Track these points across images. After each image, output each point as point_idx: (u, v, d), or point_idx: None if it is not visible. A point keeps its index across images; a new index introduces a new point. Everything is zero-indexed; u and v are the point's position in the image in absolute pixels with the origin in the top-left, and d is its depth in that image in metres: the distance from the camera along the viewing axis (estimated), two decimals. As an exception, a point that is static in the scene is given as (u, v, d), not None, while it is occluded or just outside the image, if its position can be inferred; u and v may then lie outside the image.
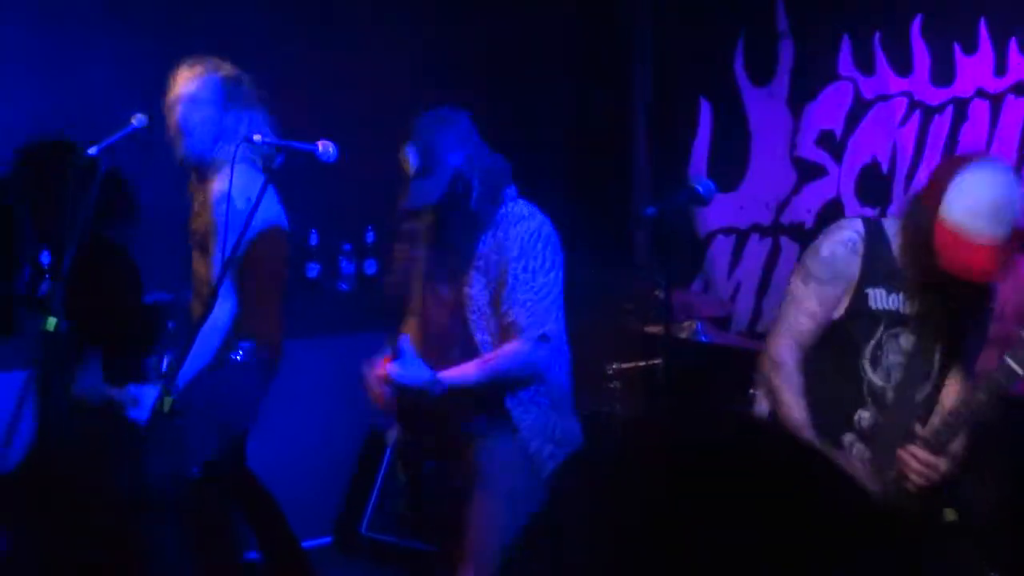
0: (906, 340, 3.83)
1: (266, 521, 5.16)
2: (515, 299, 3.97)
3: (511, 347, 4.00)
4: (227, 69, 4.75)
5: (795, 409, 3.85)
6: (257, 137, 4.42)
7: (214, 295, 4.14)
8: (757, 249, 6.74)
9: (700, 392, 4.90)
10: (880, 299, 3.82)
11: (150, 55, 5.44)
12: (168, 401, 4.00)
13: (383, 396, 4.13)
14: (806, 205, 6.54)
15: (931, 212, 3.61)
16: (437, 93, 6.52)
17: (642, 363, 5.71)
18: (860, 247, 3.80)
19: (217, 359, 4.59)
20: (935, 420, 3.77)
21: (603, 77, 7.18)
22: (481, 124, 6.36)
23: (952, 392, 3.84)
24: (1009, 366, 3.51)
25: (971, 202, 3.54)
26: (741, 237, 6.79)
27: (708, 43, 6.89)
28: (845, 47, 6.30)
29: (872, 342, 3.84)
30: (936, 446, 3.68)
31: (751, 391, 5.16)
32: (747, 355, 5.75)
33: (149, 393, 4.39)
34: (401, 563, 6.12)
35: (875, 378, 3.86)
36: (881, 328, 3.83)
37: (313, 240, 6.53)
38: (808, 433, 3.79)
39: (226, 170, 4.45)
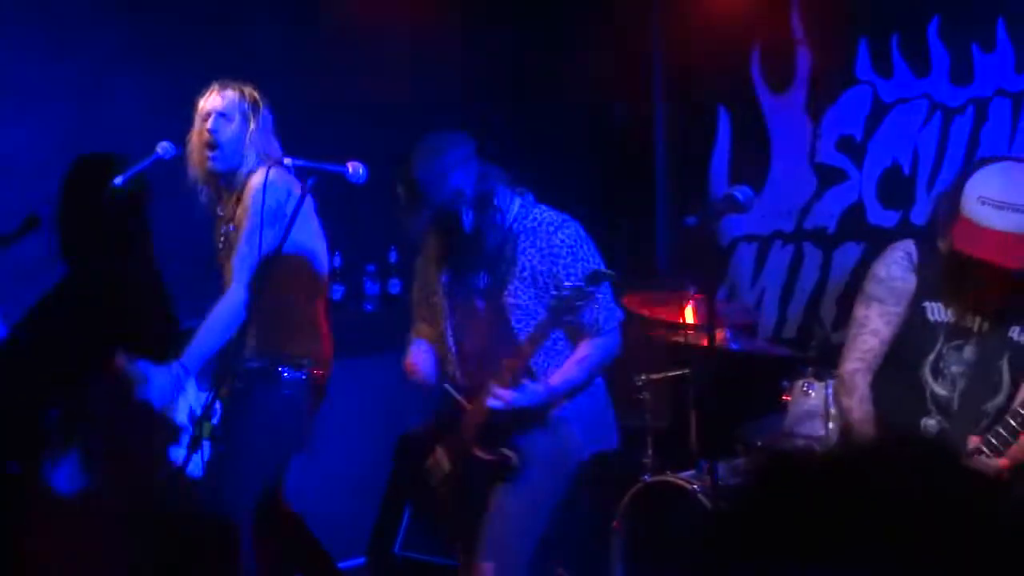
0: (969, 352, 3.88)
1: (300, 544, 5.16)
2: (582, 297, 4.01)
3: (596, 342, 4.26)
4: (250, 92, 4.77)
5: (867, 427, 3.94)
6: (288, 160, 4.45)
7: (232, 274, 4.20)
8: (780, 256, 6.74)
9: (733, 400, 4.89)
10: (938, 312, 3.89)
11: (173, 84, 5.46)
12: (208, 426, 4.01)
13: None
14: (828, 210, 6.53)
15: (952, 212, 3.67)
16: (460, 109, 6.58)
17: (672, 373, 5.71)
18: (915, 262, 3.89)
19: (267, 376, 4.61)
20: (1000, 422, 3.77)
21: (622, 88, 7.18)
22: (502, 138, 6.39)
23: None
24: None
25: (982, 191, 3.60)
26: (764, 244, 6.78)
27: (725, 52, 6.89)
28: (862, 51, 6.31)
29: (932, 354, 3.90)
30: (995, 447, 3.69)
31: (782, 397, 5.18)
32: (776, 362, 5.77)
33: (160, 373, 4.40)
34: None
35: (938, 388, 3.90)
36: (941, 340, 3.89)
37: (337, 262, 6.55)
38: None
39: (260, 172, 4.50)
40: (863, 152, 6.36)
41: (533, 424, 4.26)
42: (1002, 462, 3.66)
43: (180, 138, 4.78)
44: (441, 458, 4.40)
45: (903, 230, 6.09)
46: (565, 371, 4.23)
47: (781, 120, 6.71)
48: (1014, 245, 3.55)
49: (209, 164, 4.70)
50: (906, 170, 6.17)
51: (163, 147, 4.69)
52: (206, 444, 4.31)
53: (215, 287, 4.79)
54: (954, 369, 3.86)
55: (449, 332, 4.38)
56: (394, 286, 6.73)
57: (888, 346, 3.97)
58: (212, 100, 4.72)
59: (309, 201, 4.49)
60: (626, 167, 7.26)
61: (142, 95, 5.71)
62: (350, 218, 6.11)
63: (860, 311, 4.03)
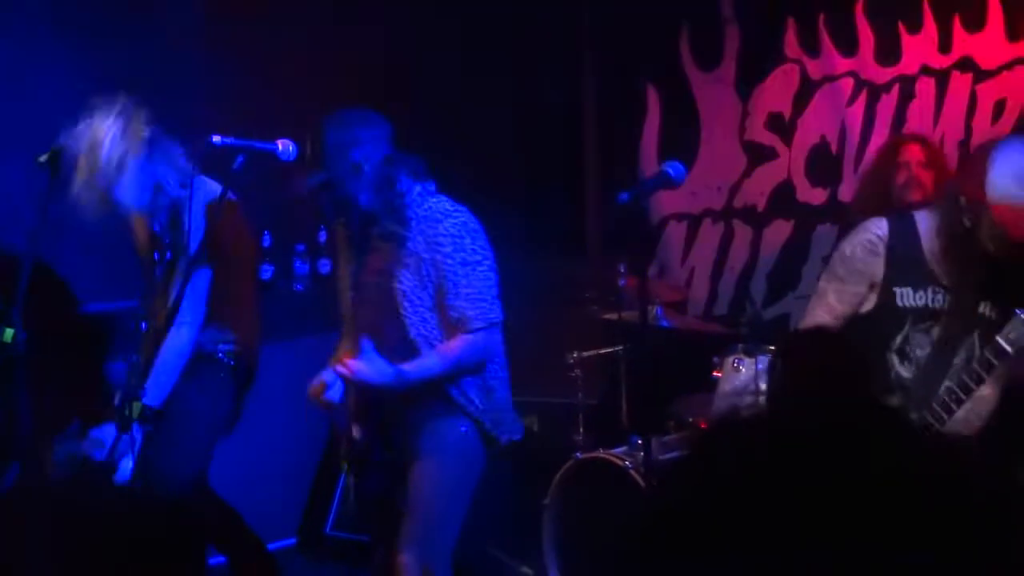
0: (937, 334, 3.92)
1: (224, 525, 5.13)
2: (458, 294, 4.06)
3: (465, 338, 4.10)
4: (120, 110, 4.47)
5: None
6: (217, 138, 4.39)
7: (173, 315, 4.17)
8: (710, 233, 6.77)
9: (664, 377, 4.91)
10: (907, 297, 3.92)
11: (100, 65, 5.38)
12: (138, 406, 3.97)
13: (327, 402, 4.24)
14: (758, 188, 6.57)
15: (977, 201, 3.70)
16: (386, 86, 6.54)
17: (603, 350, 5.72)
18: (881, 248, 3.91)
19: (197, 358, 4.57)
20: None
21: (552, 66, 7.18)
22: (432, 115, 6.37)
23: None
24: (998, 343, 3.61)
25: (1015, 170, 3.65)
26: (694, 222, 6.81)
27: (654, 30, 6.90)
28: (790, 29, 6.34)
29: (899, 337, 3.94)
30: (935, 420, 3.75)
31: (713, 374, 5.21)
32: (707, 338, 5.80)
33: (110, 433, 4.37)
34: (367, 561, 6.11)
35: (903, 371, 3.95)
36: (908, 324, 3.93)
37: (266, 241, 6.49)
38: None
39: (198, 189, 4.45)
40: (792, 130, 6.40)
41: (418, 413, 4.20)
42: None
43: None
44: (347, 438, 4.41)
45: (831, 208, 6.15)
46: (424, 360, 4.11)
47: (710, 98, 6.73)
48: None
49: (127, 211, 4.58)
50: (834, 147, 6.22)
51: None
52: (136, 427, 4.27)
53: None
54: (919, 352, 3.91)
55: (356, 319, 4.35)
56: (324, 266, 6.69)
57: (842, 321, 3.99)
58: (86, 152, 4.40)
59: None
60: (556, 146, 7.25)
61: (65, 75, 5.62)
62: (279, 197, 6.05)
63: (822, 283, 4.11)
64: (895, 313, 3.94)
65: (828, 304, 4.01)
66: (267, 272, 6.51)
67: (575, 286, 6.03)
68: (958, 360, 3.92)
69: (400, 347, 4.13)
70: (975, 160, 3.87)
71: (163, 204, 4.60)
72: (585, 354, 5.67)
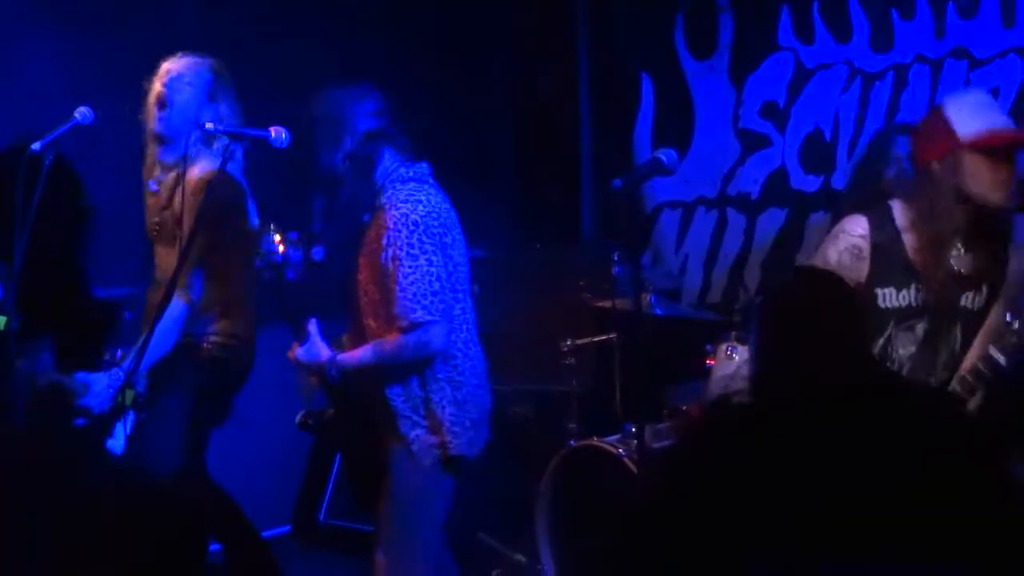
0: (921, 328, 3.98)
1: (221, 513, 5.13)
2: (391, 288, 3.97)
3: (398, 336, 4.00)
4: (216, 65, 4.73)
5: None
6: (209, 125, 4.40)
7: (172, 287, 4.16)
8: (704, 221, 6.77)
9: (658, 365, 4.91)
10: (890, 298, 3.97)
11: (88, 50, 5.37)
12: (131, 394, 3.97)
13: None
14: (751, 176, 6.57)
15: (952, 155, 3.85)
16: (384, 72, 6.51)
17: (597, 338, 5.72)
18: (867, 250, 3.97)
19: (192, 347, 4.58)
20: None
21: (547, 54, 7.18)
22: (428, 102, 6.35)
23: (973, 353, 3.92)
24: (992, 357, 3.66)
25: (974, 106, 3.91)
26: (688, 210, 6.81)
27: (648, 18, 6.90)
28: (784, 17, 6.34)
29: (882, 339, 3.98)
30: None
31: (707, 362, 5.21)
32: (700, 326, 5.80)
33: (99, 380, 4.37)
34: (362, 548, 6.11)
35: None
36: (891, 325, 3.97)
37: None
38: None
39: (202, 161, 4.45)
40: (786, 118, 6.39)
41: (374, 424, 4.20)
42: None
43: (98, 103, 4.69)
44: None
45: (825, 195, 6.15)
46: (359, 351, 4.07)
47: (704, 86, 6.73)
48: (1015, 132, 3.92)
49: (155, 124, 4.65)
50: (828, 135, 6.21)
51: (81, 112, 4.60)
52: (130, 414, 4.27)
53: (140, 253, 4.76)
54: (902, 351, 3.95)
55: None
56: (317, 253, 6.66)
57: None
58: (174, 62, 4.69)
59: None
60: (551, 133, 7.25)
61: (54, 59, 5.61)
62: (272, 183, 6.04)
63: None
64: (878, 315, 3.97)
65: None
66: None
67: (569, 274, 6.02)
68: (941, 358, 3.95)
69: (357, 334, 4.16)
70: (930, 125, 3.99)
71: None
72: (579, 342, 5.68)
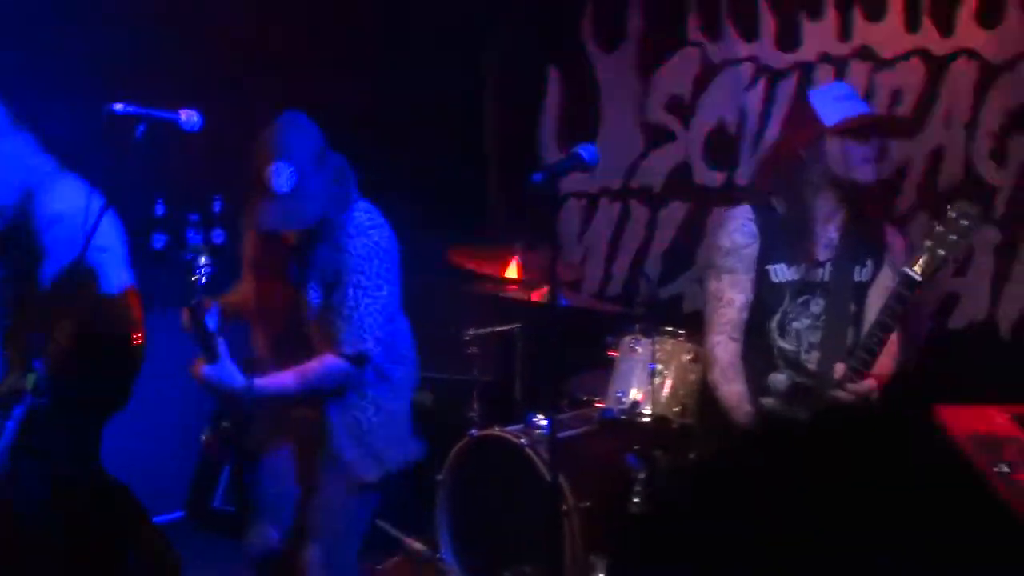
0: (816, 304, 4.13)
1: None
2: (341, 311, 3.95)
3: (328, 360, 3.99)
4: None
5: (730, 396, 4.14)
6: (119, 106, 4.30)
7: None
8: (607, 213, 6.79)
9: (559, 356, 4.90)
10: (781, 273, 4.13)
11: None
12: (32, 378, 3.88)
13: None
14: (655, 169, 6.60)
15: (816, 140, 4.06)
16: (284, 61, 6.46)
17: (499, 328, 5.71)
18: (754, 229, 4.14)
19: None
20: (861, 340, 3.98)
21: (453, 45, 7.14)
22: (330, 94, 6.28)
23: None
24: (907, 274, 3.74)
25: (836, 96, 4.15)
26: (591, 201, 6.82)
27: (556, 11, 6.90)
28: (693, 13, 6.37)
29: (779, 313, 4.14)
30: (860, 367, 3.86)
31: (609, 353, 5.23)
32: (601, 318, 5.82)
33: None
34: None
35: (785, 344, 4.15)
36: (786, 299, 4.12)
37: (159, 210, 6.36)
38: (743, 414, 4.11)
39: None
40: (691, 112, 6.44)
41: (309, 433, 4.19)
42: (870, 383, 3.85)
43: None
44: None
45: (728, 190, 6.20)
46: (280, 377, 4.00)
47: (611, 79, 6.74)
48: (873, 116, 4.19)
49: None
50: (732, 131, 6.26)
51: None
52: (28, 398, 4.16)
53: None
54: (796, 325, 4.08)
55: (257, 308, 4.26)
56: (218, 236, 6.57)
57: (747, 311, 4.16)
58: None
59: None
60: (456, 125, 7.21)
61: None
62: (173, 165, 5.95)
63: (712, 284, 4.24)
64: (772, 290, 4.12)
65: (728, 300, 4.18)
66: (159, 242, 6.37)
67: (473, 263, 6.00)
68: (846, 339, 4.06)
69: (296, 350, 4.05)
70: (795, 116, 4.24)
71: None
72: (481, 331, 5.67)
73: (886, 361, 4.01)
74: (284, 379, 3.97)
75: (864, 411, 3.83)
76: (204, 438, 4.32)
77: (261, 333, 4.25)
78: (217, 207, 6.49)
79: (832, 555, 1.13)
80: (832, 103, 4.12)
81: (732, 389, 4.13)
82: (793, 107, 4.41)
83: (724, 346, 4.17)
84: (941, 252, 3.70)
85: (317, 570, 4.18)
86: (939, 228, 3.71)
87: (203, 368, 3.94)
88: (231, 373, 3.92)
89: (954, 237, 3.69)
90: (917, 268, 3.71)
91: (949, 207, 3.74)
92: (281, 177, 3.92)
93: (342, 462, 4.13)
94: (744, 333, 4.17)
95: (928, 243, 3.72)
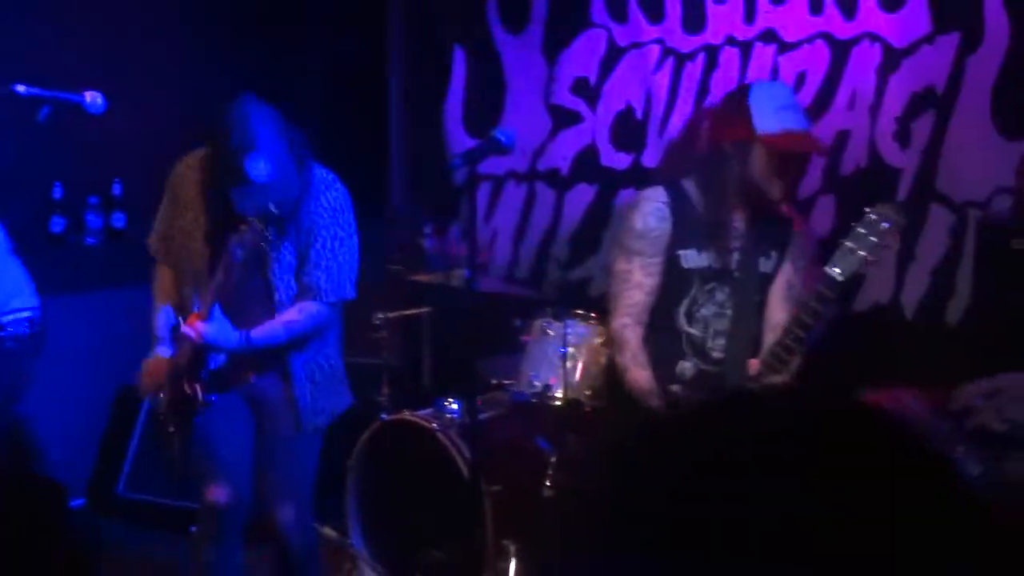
0: (722, 293, 4.15)
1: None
2: (319, 264, 4.20)
3: (310, 307, 4.25)
4: None
5: (642, 380, 4.16)
6: (21, 87, 4.21)
7: None
8: (514, 195, 6.78)
9: (470, 339, 4.89)
10: (691, 259, 4.13)
11: None
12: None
13: (155, 382, 4.33)
14: (561, 152, 6.60)
15: (744, 142, 4.02)
16: (184, 41, 6.36)
17: (409, 311, 5.68)
18: (667, 212, 4.13)
19: None
20: (769, 340, 4.03)
21: (357, 24, 7.08)
22: (233, 71, 6.21)
23: (780, 311, 4.14)
24: (829, 275, 3.74)
25: (776, 104, 4.06)
26: (497, 184, 6.80)
27: (461, -9, 6.87)
28: (598, -6, 6.38)
29: (687, 299, 4.15)
30: (776, 365, 3.88)
31: (522, 338, 5.22)
32: (510, 301, 5.81)
33: None
34: (159, 522, 5.99)
35: (692, 331, 4.17)
36: (695, 285, 4.13)
37: (57, 193, 6.25)
38: (656, 400, 4.11)
39: None
40: (597, 95, 6.44)
41: (264, 380, 4.36)
42: (786, 379, 3.92)
43: None
44: (165, 389, 4.36)
45: (635, 173, 6.22)
46: (270, 327, 4.22)
47: (517, 61, 6.72)
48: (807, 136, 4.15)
49: None
50: (639, 114, 6.28)
51: None
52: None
53: None
54: (704, 312, 4.12)
55: (198, 276, 4.27)
56: (118, 220, 6.47)
57: (655, 294, 4.18)
58: None
59: None
60: (360, 104, 7.15)
61: None
62: (73, 148, 5.85)
63: (622, 266, 4.24)
64: (682, 276, 4.14)
65: (637, 282, 4.19)
66: (58, 225, 6.27)
67: (378, 246, 5.96)
68: (751, 331, 4.10)
69: (260, 311, 4.23)
70: (730, 108, 4.17)
71: None
72: (391, 315, 5.63)
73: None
74: (274, 329, 4.21)
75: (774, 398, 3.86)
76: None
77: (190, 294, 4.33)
78: (117, 190, 6.42)
79: (748, 538, 1.12)
80: (771, 111, 4.07)
81: (643, 374, 4.15)
82: (728, 98, 4.33)
83: (632, 329, 4.19)
84: (861, 253, 3.69)
85: (294, 529, 4.45)
86: (859, 229, 3.70)
87: (200, 327, 4.08)
88: (227, 329, 4.11)
89: (873, 239, 3.67)
90: (838, 269, 3.71)
91: (868, 209, 3.72)
92: (258, 168, 3.97)
93: (301, 409, 4.36)
94: (652, 317, 4.19)
95: (848, 244, 3.71)
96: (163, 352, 4.30)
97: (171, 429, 4.37)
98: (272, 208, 4.01)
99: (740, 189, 4.08)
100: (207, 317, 4.09)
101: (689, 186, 4.19)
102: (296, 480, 4.48)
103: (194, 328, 4.08)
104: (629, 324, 4.19)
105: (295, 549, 4.48)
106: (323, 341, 4.41)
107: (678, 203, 4.14)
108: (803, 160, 4.23)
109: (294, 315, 4.23)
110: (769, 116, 4.02)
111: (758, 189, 4.06)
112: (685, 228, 4.12)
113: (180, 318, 4.23)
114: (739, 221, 4.15)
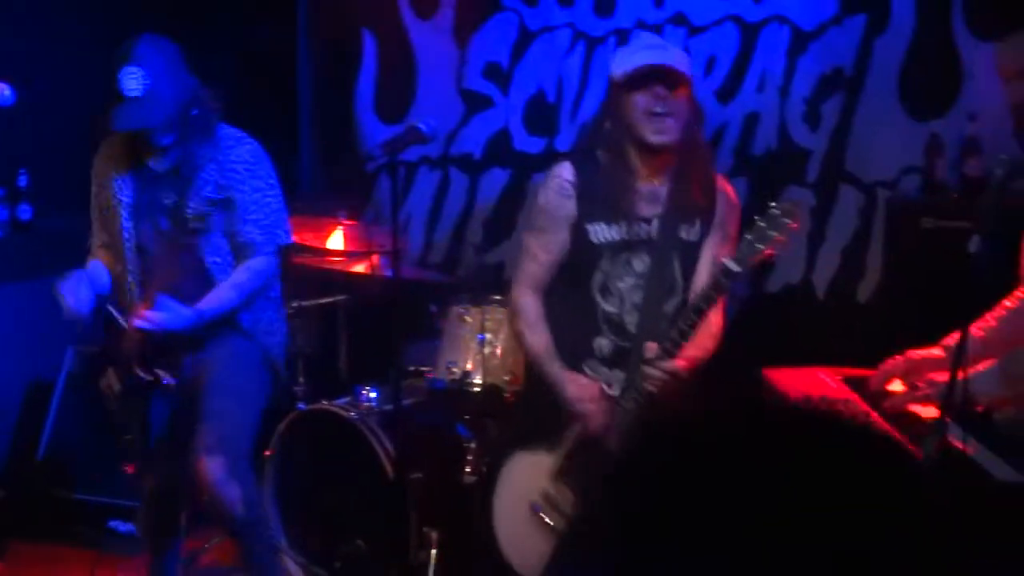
0: (640, 263, 4.12)
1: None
2: (248, 219, 4.22)
3: (254, 264, 4.28)
4: None
5: (539, 347, 4.18)
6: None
7: None
8: (427, 180, 6.75)
9: (386, 326, 4.88)
10: (600, 233, 4.11)
11: None
12: None
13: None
14: (474, 136, 6.59)
15: (613, 95, 4.07)
16: (92, 29, 6.25)
17: (323, 300, 5.64)
18: (571, 189, 4.11)
19: None
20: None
21: (267, 8, 7.00)
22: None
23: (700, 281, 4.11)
24: (725, 265, 3.72)
25: (632, 49, 4.21)
26: (410, 169, 6.76)
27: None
28: (508, -22, 6.37)
29: (599, 273, 4.12)
30: (671, 349, 3.88)
31: (436, 324, 5.21)
32: (425, 287, 5.80)
33: None
34: (74, 515, 5.92)
35: (608, 306, 4.14)
36: (606, 259, 4.10)
37: (-38, 186, 6.13)
38: (554, 367, 4.12)
39: None
40: (509, 79, 6.43)
41: (208, 339, 4.32)
42: (679, 363, 3.86)
43: None
44: (112, 379, 4.34)
45: (548, 157, 6.22)
46: (218, 295, 4.25)
47: (428, 46, 6.69)
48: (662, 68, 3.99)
49: None
50: (551, 98, 6.29)
51: None
52: None
53: None
54: (621, 285, 4.10)
55: (128, 251, 4.29)
56: (24, 212, 6.36)
57: (553, 270, 4.19)
58: None
59: None
60: (269, 89, 7.08)
61: None
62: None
63: (527, 239, 4.30)
64: (592, 250, 4.12)
65: (534, 256, 4.21)
66: (-38, 217, 6.14)
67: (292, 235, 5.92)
68: (667, 300, 4.11)
69: (193, 275, 4.23)
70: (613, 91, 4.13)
71: None
72: (305, 303, 5.58)
73: (705, 342, 4.06)
74: (224, 294, 4.24)
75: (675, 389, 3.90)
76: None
77: (132, 272, 4.33)
78: (23, 181, 6.30)
79: (673, 523, 1.13)
80: (627, 56, 4.10)
81: (538, 339, 4.17)
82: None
83: (528, 296, 4.21)
84: (759, 246, 3.66)
85: (223, 483, 4.25)
86: (760, 223, 3.69)
87: (152, 316, 4.08)
88: (177, 310, 4.12)
89: (773, 233, 3.63)
90: (735, 259, 3.69)
91: (772, 204, 3.68)
92: (132, 80, 3.99)
93: (239, 332, 4.35)
94: (568, 295, 4.19)
95: (748, 236, 3.69)
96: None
97: (126, 415, 4.33)
98: (143, 124, 4.03)
99: (630, 146, 4.06)
100: (153, 305, 4.09)
101: (599, 154, 4.17)
102: (230, 433, 4.32)
103: (146, 319, 4.08)
104: (526, 293, 4.21)
105: (227, 505, 4.28)
106: (265, 298, 4.45)
107: (585, 177, 4.12)
108: (668, 98, 3.99)
109: (241, 276, 4.27)
110: (624, 60, 4.06)
111: (636, 136, 4.01)
112: (593, 201, 4.10)
113: (119, 304, 4.28)
114: (658, 186, 4.11)
